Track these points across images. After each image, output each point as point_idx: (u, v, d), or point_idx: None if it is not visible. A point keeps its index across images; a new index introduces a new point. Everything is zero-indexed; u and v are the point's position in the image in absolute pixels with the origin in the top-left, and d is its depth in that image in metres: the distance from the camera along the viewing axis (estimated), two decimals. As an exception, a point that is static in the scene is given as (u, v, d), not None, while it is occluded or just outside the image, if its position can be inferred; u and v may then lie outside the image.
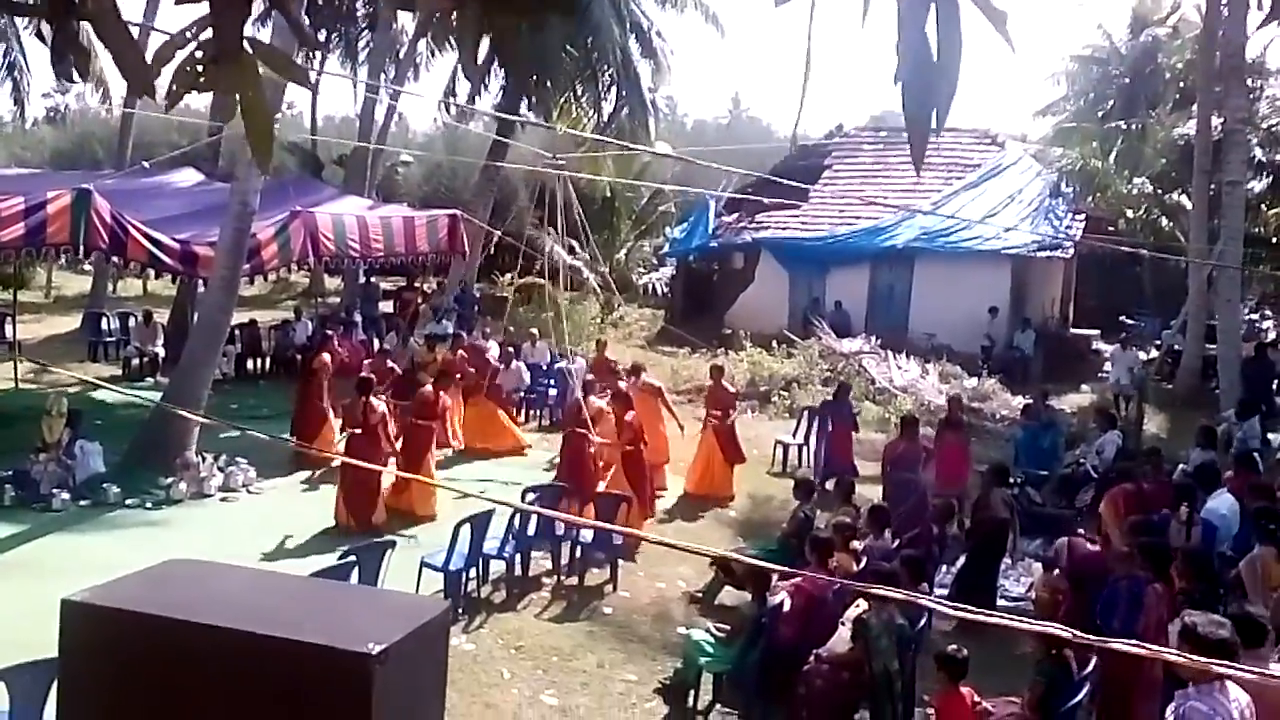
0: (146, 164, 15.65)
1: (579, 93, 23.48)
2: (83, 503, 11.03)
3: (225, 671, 3.02)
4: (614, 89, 23.14)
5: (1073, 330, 26.21)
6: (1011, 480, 12.49)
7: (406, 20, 26.34)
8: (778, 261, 25.18)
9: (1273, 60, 26.09)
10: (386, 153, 32.21)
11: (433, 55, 26.80)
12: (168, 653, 3.07)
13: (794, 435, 14.96)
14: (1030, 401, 15.52)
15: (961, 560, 9.70)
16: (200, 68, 1.82)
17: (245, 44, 1.87)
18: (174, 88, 1.84)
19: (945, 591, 9.51)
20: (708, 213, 25.97)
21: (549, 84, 22.12)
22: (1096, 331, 26.24)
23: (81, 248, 12.03)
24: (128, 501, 11.22)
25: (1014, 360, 21.50)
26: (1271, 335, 27.19)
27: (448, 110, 25.12)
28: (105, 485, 11.32)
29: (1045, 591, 8.24)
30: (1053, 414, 15.29)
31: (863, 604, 7.10)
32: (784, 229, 25.37)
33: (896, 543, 8.76)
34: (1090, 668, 6.26)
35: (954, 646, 6.21)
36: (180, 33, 1.84)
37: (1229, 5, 18.13)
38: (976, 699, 5.98)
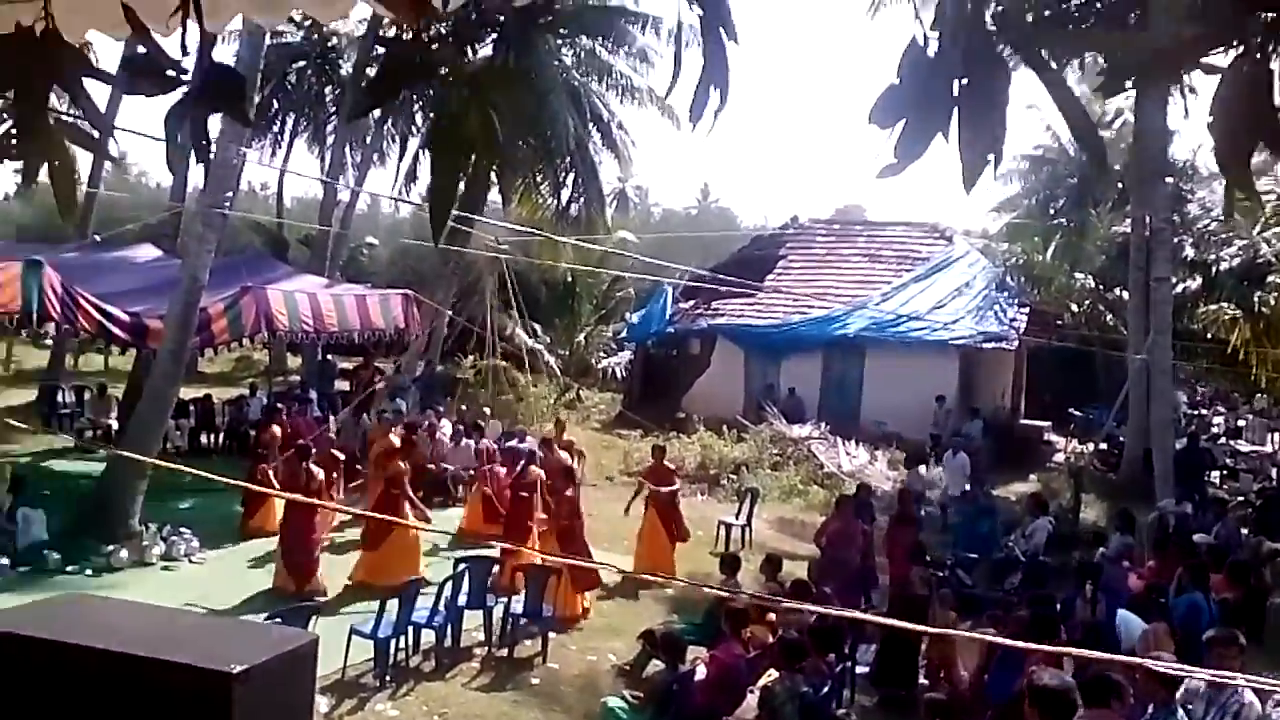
0: (98, 238, 16.03)
1: (537, 180, 24.12)
2: (22, 569, 11.09)
3: (100, 687, 3.27)
4: (571, 177, 23.80)
5: (1023, 421, 26.70)
6: (945, 562, 12.93)
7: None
8: (733, 348, 25.67)
9: (1202, 164, 27.14)
10: (352, 235, 32.79)
11: (394, 140, 27.41)
12: (47, 670, 3.32)
13: (736, 516, 15.20)
14: (969, 489, 15.90)
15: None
16: (13, 140, 2.21)
17: (51, 121, 2.24)
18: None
19: (866, 669, 9.74)
20: (665, 298, 26.50)
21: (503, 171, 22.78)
22: (1048, 423, 26.76)
23: (35, 317, 12.24)
24: (68, 568, 11.31)
25: (961, 449, 21.88)
26: (1219, 430, 27.87)
27: (407, 197, 25.69)
28: (46, 552, 11.41)
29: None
30: (990, 501, 15.63)
31: (773, 673, 7.33)
32: (739, 316, 25.90)
33: (814, 618, 8.97)
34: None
35: (842, 712, 6.45)
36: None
37: (1149, 110, 19.05)
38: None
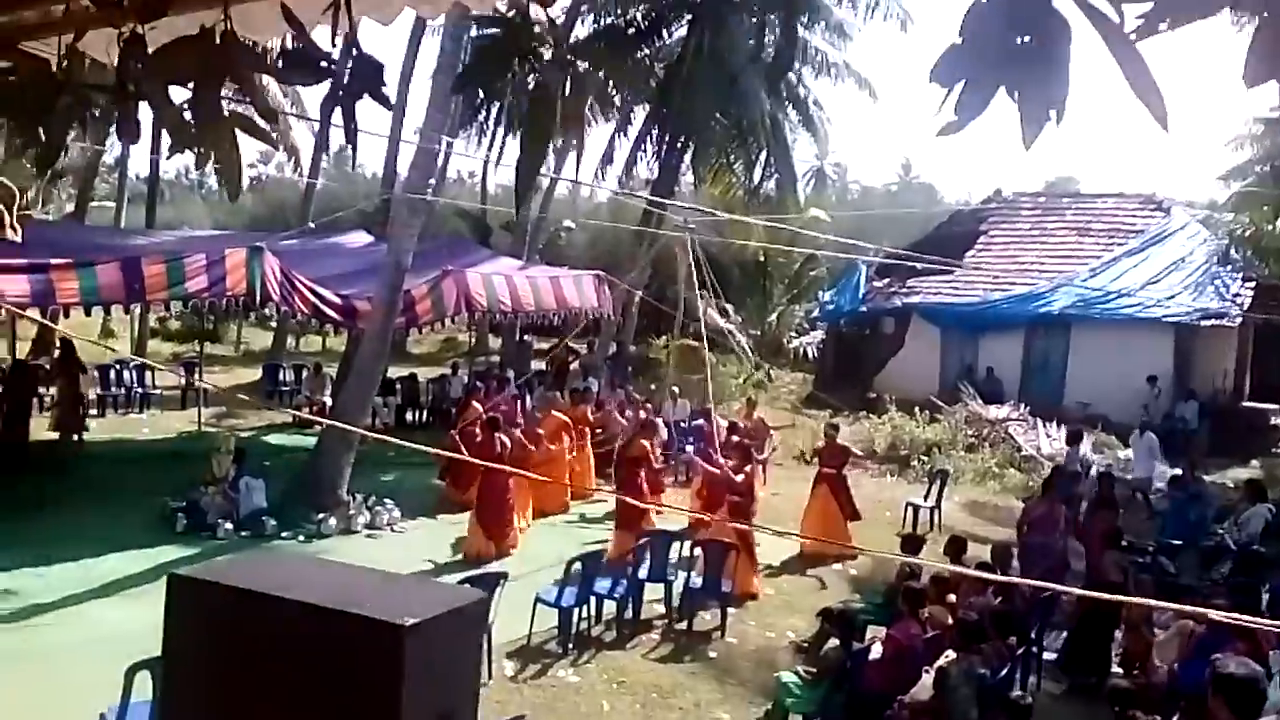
0: (313, 225, 17.13)
1: (730, 159, 24.18)
2: (244, 533, 12.04)
3: (285, 634, 3.59)
4: (764, 155, 23.74)
5: (1246, 403, 24.93)
6: (1147, 549, 12.32)
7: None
8: (929, 327, 25.08)
9: None
10: (551, 219, 33.70)
11: (592, 125, 27.96)
12: (242, 616, 3.68)
13: (925, 498, 14.90)
14: (1179, 473, 15.03)
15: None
16: (193, 130, 2.46)
17: (225, 113, 2.49)
18: (174, 143, 2.48)
19: (1055, 656, 9.43)
20: (859, 277, 26.12)
21: (696, 149, 23.00)
22: (1277, 406, 24.88)
23: (258, 298, 13.23)
24: (283, 534, 12.21)
25: (1175, 432, 20.69)
26: None
27: (602, 179, 26.24)
28: (264, 518, 12.34)
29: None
30: (1201, 486, 14.73)
31: (950, 654, 7.20)
32: (936, 294, 25.27)
33: (999, 599, 8.74)
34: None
35: (1018, 694, 6.29)
36: (178, 105, 2.48)
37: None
38: (1043, 747, 6.03)
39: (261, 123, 2.86)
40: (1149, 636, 8.86)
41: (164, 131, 2.58)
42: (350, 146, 2.62)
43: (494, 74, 2.56)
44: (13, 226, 3.66)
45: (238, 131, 2.58)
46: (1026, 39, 1.47)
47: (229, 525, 12.03)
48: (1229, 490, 16.75)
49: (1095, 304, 22.81)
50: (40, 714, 6.57)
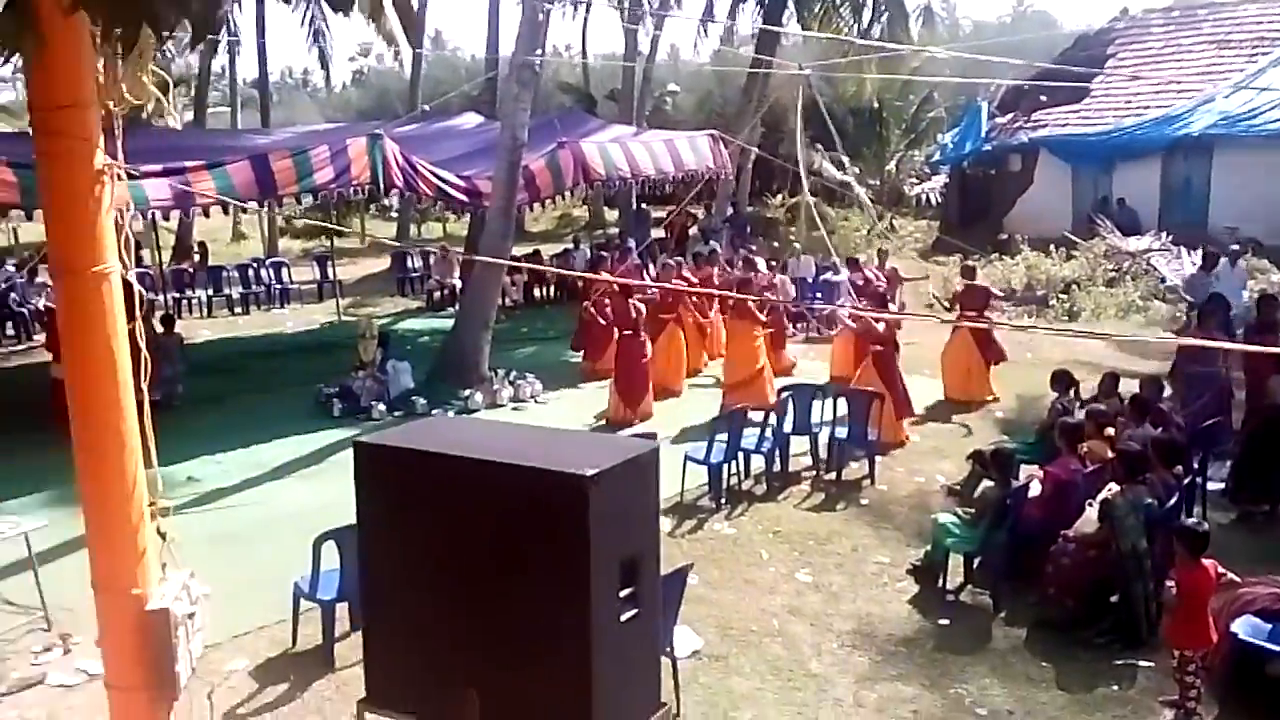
0: (426, 108, 17.13)
1: (836, 2, 23.22)
2: (397, 413, 12.43)
3: (473, 490, 3.72)
4: (871, -5, 22.76)
5: None
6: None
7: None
8: (1058, 161, 24.04)
9: None
10: (654, 84, 33.08)
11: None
12: (430, 476, 3.82)
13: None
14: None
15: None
16: None
17: None
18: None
19: (1220, 486, 9.20)
20: (980, 115, 25.07)
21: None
22: None
23: (381, 186, 13.40)
24: (433, 411, 12.55)
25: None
26: None
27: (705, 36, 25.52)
28: (414, 398, 12.75)
29: None
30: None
31: (1113, 487, 7.09)
32: (1064, 126, 24.13)
33: (1160, 430, 8.52)
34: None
35: (1194, 520, 6.18)
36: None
37: None
38: (1220, 570, 5.92)
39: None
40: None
41: None
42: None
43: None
44: (171, 114, 3.73)
45: None
46: None
47: (382, 406, 12.46)
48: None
49: (1239, 121, 21.42)
50: (242, 587, 7.00)
